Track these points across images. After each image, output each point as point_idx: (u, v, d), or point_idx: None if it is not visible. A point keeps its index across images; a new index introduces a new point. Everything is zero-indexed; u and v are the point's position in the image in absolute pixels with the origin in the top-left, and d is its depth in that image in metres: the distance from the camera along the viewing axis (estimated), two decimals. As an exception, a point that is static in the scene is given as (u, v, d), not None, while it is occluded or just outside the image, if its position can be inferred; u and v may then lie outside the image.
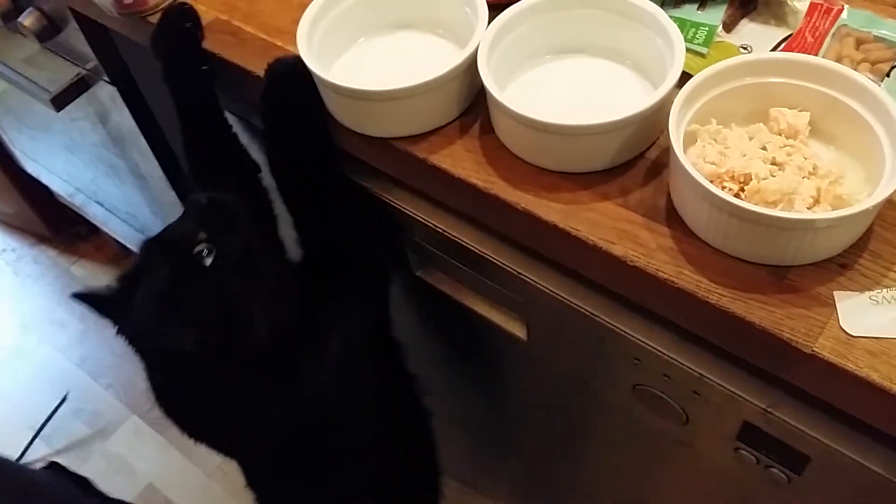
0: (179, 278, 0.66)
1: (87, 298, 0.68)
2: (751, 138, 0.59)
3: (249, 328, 0.67)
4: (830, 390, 0.54)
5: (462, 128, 0.67)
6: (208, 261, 0.65)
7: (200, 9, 0.78)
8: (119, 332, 0.69)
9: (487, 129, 0.66)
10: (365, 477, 0.86)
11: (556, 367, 0.81)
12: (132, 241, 1.68)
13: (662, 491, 0.87)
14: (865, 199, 0.53)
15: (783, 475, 0.64)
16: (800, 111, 0.60)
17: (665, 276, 0.56)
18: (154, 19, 0.79)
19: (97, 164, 1.37)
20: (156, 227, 1.52)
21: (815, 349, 0.51)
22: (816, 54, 0.67)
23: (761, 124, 0.60)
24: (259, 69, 0.72)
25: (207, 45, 0.76)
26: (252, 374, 0.70)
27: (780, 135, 0.60)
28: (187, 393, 0.73)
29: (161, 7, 0.79)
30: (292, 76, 0.68)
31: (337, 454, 0.82)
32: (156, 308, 0.66)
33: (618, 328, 0.65)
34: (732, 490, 0.74)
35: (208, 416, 0.76)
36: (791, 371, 0.55)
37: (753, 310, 0.53)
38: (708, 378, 0.62)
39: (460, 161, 0.65)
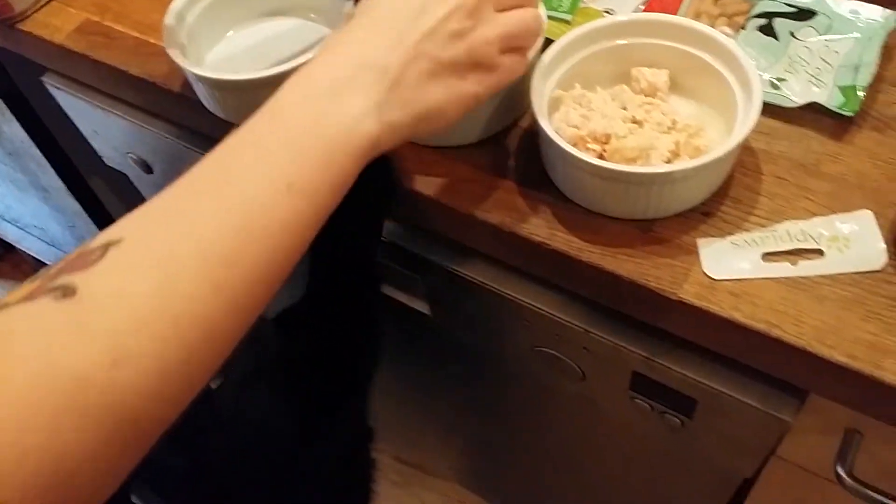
0: None
1: None
2: (614, 99, 0.61)
3: None
4: (701, 333, 0.56)
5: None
6: None
7: (71, 11, 0.77)
8: None
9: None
10: None
11: (462, 337, 0.82)
12: (47, 257, 1.64)
13: (575, 446, 0.90)
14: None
15: (677, 419, 0.67)
16: (659, 69, 0.62)
17: (539, 238, 0.58)
18: (23, 26, 0.77)
19: (-1, 181, 1.34)
20: (65, 240, 1.50)
21: (680, 295, 0.54)
22: (676, 12, 0.69)
23: (624, 85, 0.62)
24: (132, 67, 0.71)
25: (80, 47, 0.75)
26: None
27: (641, 94, 0.62)
28: None
29: (28, 14, 0.77)
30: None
31: None
32: None
33: (506, 293, 0.67)
34: (637, 440, 0.77)
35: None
36: (664, 319, 0.57)
37: (622, 263, 0.55)
38: (594, 333, 0.64)
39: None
